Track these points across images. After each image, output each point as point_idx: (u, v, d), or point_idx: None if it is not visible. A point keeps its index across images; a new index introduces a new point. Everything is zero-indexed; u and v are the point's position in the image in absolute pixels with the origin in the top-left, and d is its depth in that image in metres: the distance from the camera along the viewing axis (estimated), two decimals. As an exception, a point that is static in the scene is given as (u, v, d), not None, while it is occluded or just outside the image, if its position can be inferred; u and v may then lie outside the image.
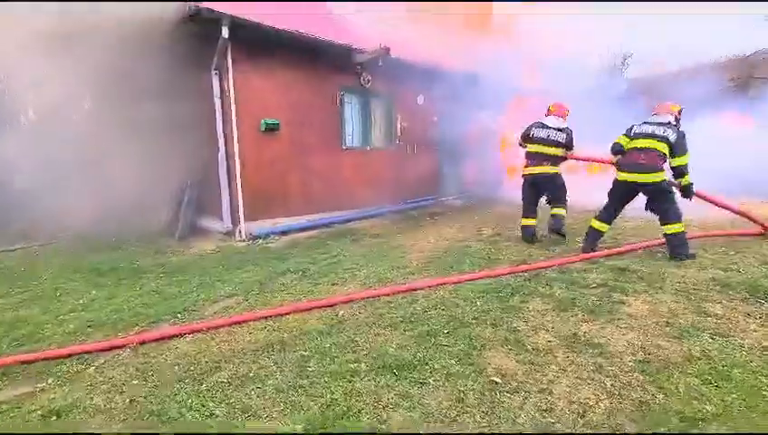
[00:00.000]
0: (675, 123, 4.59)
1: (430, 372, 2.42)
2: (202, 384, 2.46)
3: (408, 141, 8.77)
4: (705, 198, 4.89)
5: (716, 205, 5.06)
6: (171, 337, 3.18)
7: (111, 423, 2.19)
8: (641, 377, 2.26)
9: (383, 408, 2.11)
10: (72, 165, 7.27)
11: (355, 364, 2.57)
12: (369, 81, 7.85)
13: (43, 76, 6.27)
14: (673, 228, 4.37)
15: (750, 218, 5.12)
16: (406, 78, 7.98)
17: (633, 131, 4.66)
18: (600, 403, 2.05)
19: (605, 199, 4.84)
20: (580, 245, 4.92)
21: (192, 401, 2.28)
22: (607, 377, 2.27)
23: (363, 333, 3.01)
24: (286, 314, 3.46)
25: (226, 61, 5.98)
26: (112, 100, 6.69)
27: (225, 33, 5.45)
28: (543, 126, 5.37)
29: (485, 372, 2.38)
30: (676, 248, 4.33)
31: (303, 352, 2.77)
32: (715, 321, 2.87)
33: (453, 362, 2.52)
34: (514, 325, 2.98)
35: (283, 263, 5.32)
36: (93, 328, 3.56)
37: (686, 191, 4.56)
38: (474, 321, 3.09)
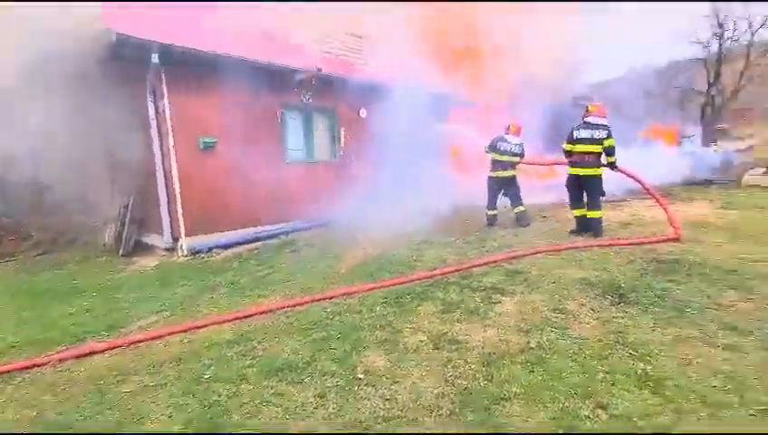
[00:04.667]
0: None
1: (309, 373, 2.83)
2: (106, 395, 2.77)
3: (350, 154, 9.18)
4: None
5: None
6: (90, 354, 3.45)
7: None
8: (478, 367, 2.74)
9: (257, 405, 2.50)
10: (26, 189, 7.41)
11: (248, 369, 2.95)
12: (309, 97, 8.22)
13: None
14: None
15: (668, 216, 5.62)
16: (347, 93, 8.41)
17: None
18: (434, 390, 2.51)
19: None
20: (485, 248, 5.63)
21: (91, 411, 2.59)
22: (451, 368, 2.74)
23: (266, 341, 3.39)
24: (203, 326, 3.79)
25: (161, 84, 6.22)
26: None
27: (154, 58, 5.71)
28: (506, 140, 6.88)
29: (355, 370, 2.81)
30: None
31: (206, 362, 3.12)
32: (563, 316, 3.40)
33: (332, 362, 2.94)
34: (399, 328, 3.42)
35: (217, 277, 5.61)
36: (18, 348, 3.78)
37: None
38: (367, 326, 3.52)
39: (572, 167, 5.89)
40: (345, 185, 8.92)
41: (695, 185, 10.40)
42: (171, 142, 6.42)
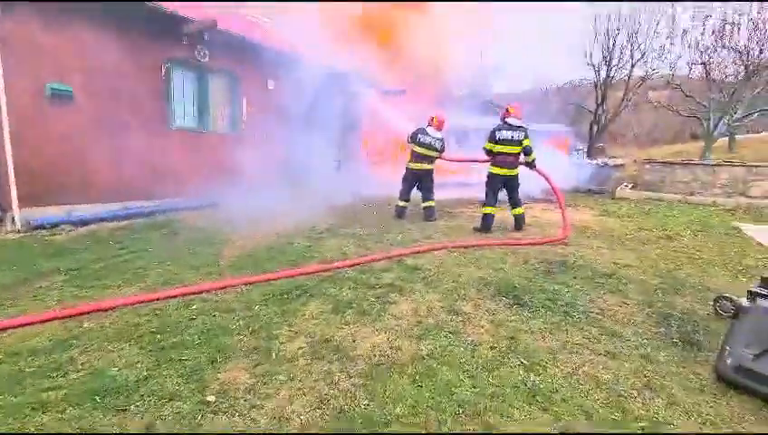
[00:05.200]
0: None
1: (142, 395, 2.14)
2: None
3: (253, 128, 8.23)
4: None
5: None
6: None
7: None
8: (361, 381, 2.33)
9: (46, 449, 1.77)
10: None
11: (53, 392, 2.15)
12: (205, 55, 7.09)
13: None
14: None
15: (563, 216, 6.04)
16: (254, 59, 7.44)
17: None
18: (302, 415, 2.04)
19: None
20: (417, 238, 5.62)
21: None
22: (329, 384, 2.30)
23: (94, 350, 2.58)
24: (4, 328, 2.81)
25: (-12, 2, 4.70)
26: None
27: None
28: (426, 134, 6.67)
29: (206, 391, 2.20)
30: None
31: (-10, 381, 2.23)
32: (459, 319, 3.19)
33: (179, 380, 2.29)
34: (277, 332, 2.88)
35: (56, 260, 4.43)
36: None
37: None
38: (236, 329, 2.91)
39: (495, 166, 6.06)
40: (244, 162, 7.96)
41: (578, 193, 11.53)
42: (1, 82, 4.91)
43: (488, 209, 6.09)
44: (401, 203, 7.10)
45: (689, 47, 12.84)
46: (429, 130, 6.84)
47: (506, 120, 6.03)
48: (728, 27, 12.27)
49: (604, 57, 14.21)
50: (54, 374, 2.31)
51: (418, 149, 6.81)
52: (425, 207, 6.99)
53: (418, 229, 6.38)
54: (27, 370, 2.34)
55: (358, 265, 4.42)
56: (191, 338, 2.74)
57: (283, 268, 4.30)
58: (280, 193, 8.26)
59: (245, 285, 3.74)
